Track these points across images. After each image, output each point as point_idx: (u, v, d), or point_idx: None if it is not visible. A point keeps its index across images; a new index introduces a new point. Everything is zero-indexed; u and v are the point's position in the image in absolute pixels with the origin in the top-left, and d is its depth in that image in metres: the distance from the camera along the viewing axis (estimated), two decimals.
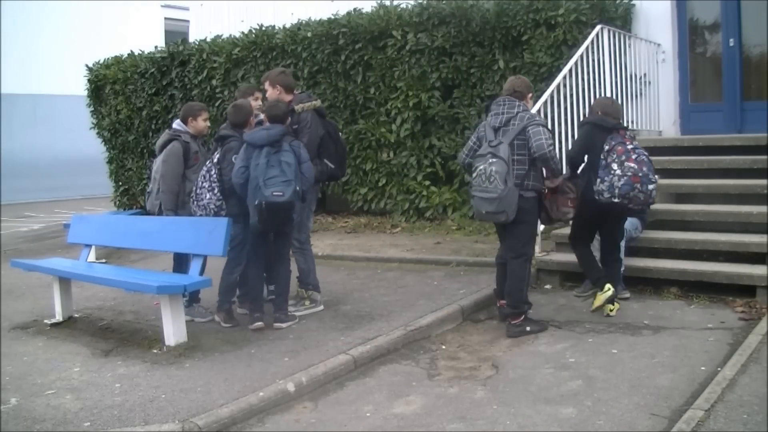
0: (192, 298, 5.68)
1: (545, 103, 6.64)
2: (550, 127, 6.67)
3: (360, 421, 3.81)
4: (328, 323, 5.36)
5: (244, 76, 10.02)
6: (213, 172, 5.39)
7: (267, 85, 5.72)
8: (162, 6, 20.86)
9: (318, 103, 5.71)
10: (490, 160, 4.85)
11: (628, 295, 5.72)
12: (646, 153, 5.08)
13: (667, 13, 7.99)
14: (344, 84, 9.16)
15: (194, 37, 12.03)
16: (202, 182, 5.44)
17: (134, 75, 11.46)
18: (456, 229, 8.29)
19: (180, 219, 5.55)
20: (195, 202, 5.50)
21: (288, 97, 5.63)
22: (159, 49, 11.54)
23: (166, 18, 20.86)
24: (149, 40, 14.68)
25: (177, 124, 5.90)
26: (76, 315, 6.02)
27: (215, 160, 5.42)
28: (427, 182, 8.76)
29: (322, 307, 5.74)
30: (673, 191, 7.04)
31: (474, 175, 4.97)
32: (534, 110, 6.47)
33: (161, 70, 11.09)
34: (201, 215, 5.42)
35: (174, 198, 5.68)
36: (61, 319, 5.85)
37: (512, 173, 4.86)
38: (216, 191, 5.37)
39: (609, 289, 5.22)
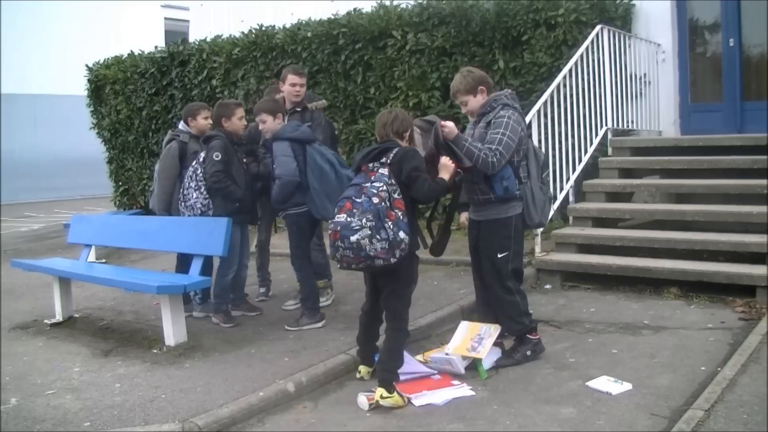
0: (205, 294, 5.70)
1: (545, 103, 6.63)
2: (549, 127, 6.70)
3: (360, 421, 3.81)
4: (328, 323, 5.36)
5: (244, 76, 10.02)
6: (199, 172, 5.38)
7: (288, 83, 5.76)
8: (162, 6, 20.88)
9: (325, 102, 5.93)
10: None
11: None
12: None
13: (667, 13, 7.98)
14: (344, 84, 9.16)
15: (194, 37, 12.01)
16: (189, 182, 5.44)
17: (134, 75, 11.44)
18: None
19: (180, 219, 5.53)
20: (182, 203, 5.49)
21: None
22: (159, 49, 11.52)
23: (166, 18, 20.89)
24: (149, 40, 14.69)
25: (181, 123, 5.93)
26: (76, 315, 6.02)
27: (201, 160, 5.42)
28: None
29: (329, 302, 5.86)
30: (673, 191, 7.04)
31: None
32: (534, 110, 6.50)
33: (161, 70, 11.08)
34: (188, 215, 5.42)
35: (167, 198, 5.69)
36: (61, 319, 5.85)
37: None
38: (202, 190, 5.37)
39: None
